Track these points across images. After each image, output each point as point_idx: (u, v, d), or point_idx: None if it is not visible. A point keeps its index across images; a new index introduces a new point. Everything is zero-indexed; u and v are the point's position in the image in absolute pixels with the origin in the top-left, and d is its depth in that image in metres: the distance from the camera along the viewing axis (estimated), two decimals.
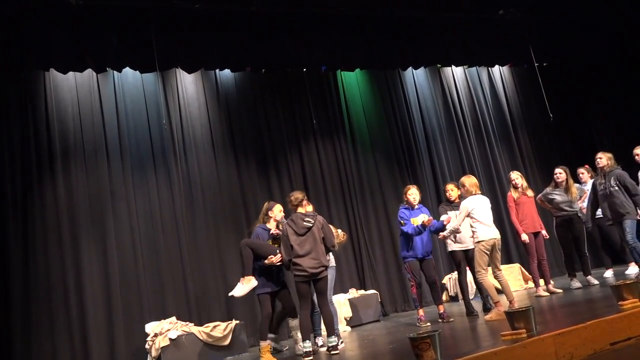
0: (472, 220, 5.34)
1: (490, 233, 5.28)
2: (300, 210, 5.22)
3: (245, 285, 5.29)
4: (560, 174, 6.79)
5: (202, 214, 7.36)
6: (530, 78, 10.00)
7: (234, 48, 7.48)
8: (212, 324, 6.45)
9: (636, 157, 6.71)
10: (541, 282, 6.65)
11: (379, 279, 8.20)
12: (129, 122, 7.23)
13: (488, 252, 5.26)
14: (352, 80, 9.09)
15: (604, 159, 6.27)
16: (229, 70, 7.86)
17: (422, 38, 8.71)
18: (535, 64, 9.47)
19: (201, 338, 6.20)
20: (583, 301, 5.59)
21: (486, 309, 5.79)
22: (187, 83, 7.84)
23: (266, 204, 5.89)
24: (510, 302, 5.24)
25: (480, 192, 5.53)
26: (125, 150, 7.09)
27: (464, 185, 5.53)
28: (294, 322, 5.45)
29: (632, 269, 6.96)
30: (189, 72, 7.57)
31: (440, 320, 5.94)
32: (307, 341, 4.93)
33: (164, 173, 7.29)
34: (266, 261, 5.21)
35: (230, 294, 5.50)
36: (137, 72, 7.22)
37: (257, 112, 8.16)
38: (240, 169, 7.84)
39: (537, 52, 9.46)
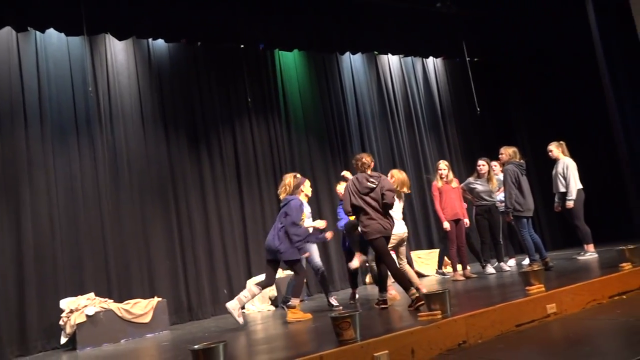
0: None
1: (398, 229, 5.47)
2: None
3: None
4: (482, 165, 7.12)
5: (127, 187, 7.11)
6: (461, 72, 10.35)
7: (170, 18, 7.23)
8: (132, 301, 6.30)
9: (549, 153, 7.11)
10: (459, 267, 6.98)
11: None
12: (50, 87, 6.81)
13: (393, 246, 5.48)
14: (289, 61, 9.03)
15: (504, 154, 6.61)
16: (162, 40, 7.58)
17: (361, 24, 8.79)
18: (467, 59, 9.84)
19: (120, 315, 6.04)
20: (495, 286, 5.93)
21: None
22: (117, 50, 7.48)
23: (293, 178, 5.83)
24: (418, 287, 5.42)
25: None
26: (46, 116, 6.68)
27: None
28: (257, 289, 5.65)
29: (511, 262, 7.50)
30: (120, 39, 7.24)
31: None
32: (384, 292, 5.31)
33: (87, 143, 6.95)
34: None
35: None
36: (63, 34, 6.81)
37: (190, 86, 7.95)
38: (170, 143, 7.62)
39: (470, 47, 9.82)
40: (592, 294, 4.48)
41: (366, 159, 5.20)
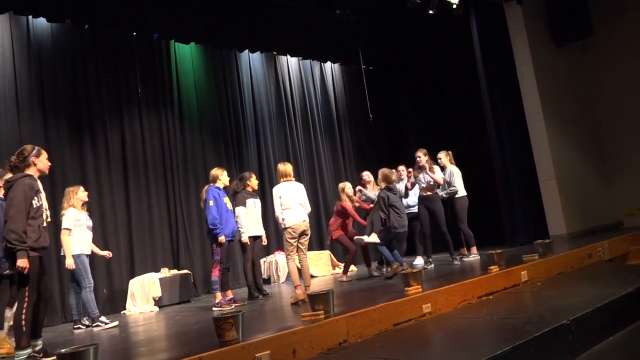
0: (282, 206, 5.43)
1: (296, 218, 5.39)
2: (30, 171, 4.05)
3: None
4: (367, 176, 7.55)
5: None
6: (357, 79, 10.68)
7: None
8: None
9: (438, 160, 7.48)
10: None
11: (194, 259, 8.09)
12: None
13: (294, 238, 5.38)
14: (186, 54, 8.76)
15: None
16: (45, 19, 7.00)
17: (261, 23, 8.75)
18: (363, 67, 10.17)
19: None
20: (380, 286, 6.14)
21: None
22: None
23: None
24: (306, 287, 5.39)
25: (290, 179, 5.56)
26: None
27: (276, 172, 5.67)
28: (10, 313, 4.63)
29: (419, 260, 7.84)
30: None
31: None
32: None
33: None
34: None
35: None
36: None
37: (75, 71, 7.43)
38: (48, 131, 7.07)
39: (365, 55, 10.15)
40: (464, 295, 4.80)
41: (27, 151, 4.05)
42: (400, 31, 10.42)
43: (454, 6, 8.58)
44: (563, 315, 3.84)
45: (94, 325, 5.75)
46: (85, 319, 5.90)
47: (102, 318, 5.77)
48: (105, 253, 6.25)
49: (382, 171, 6.55)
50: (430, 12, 8.46)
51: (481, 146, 9.35)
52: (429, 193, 7.04)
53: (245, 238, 6.25)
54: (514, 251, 7.06)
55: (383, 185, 6.49)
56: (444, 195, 7.16)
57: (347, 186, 7.23)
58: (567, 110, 8.89)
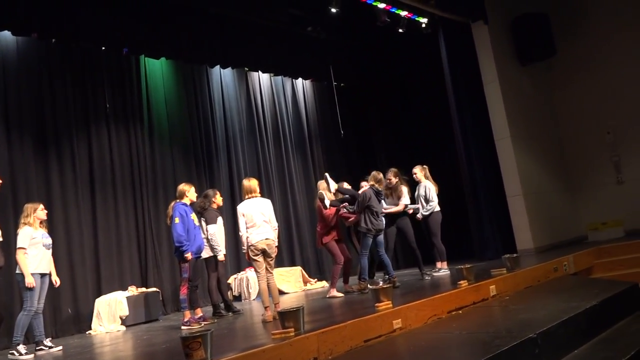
0: (247, 224, 5.36)
1: (257, 237, 5.31)
2: None
3: None
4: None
5: None
6: (328, 94, 10.76)
7: (19, 8, 6.55)
8: None
9: (414, 175, 7.52)
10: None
11: (163, 276, 7.94)
12: None
13: (258, 256, 5.30)
14: (156, 69, 8.68)
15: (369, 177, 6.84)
16: (9, 32, 6.86)
17: (233, 39, 8.75)
18: (334, 83, 10.27)
19: None
20: (351, 302, 6.13)
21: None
22: None
23: None
24: (276, 305, 5.27)
25: (255, 195, 5.49)
26: None
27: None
28: None
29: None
30: None
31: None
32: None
33: None
34: None
35: None
36: None
37: (41, 85, 7.28)
38: (12, 146, 6.88)
39: (336, 71, 10.26)
40: (434, 310, 4.84)
41: None
42: (371, 49, 10.57)
43: (423, 25, 8.80)
44: (530, 329, 3.90)
45: (9, 352, 5.39)
46: (48, 340, 5.69)
47: (20, 347, 5.34)
48: (54, 280, 5.82)
49: (374, 173, 6.64)
50: (400, 30, 8.64)
51: (450, 162, 9.50)
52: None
53: (221, 256, 6.22)
54: (482, 266, 7.15)
55: (371, 183, 6.53)
56: (425, 213, 7.17)
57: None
58: (533, 127, 9.13)
